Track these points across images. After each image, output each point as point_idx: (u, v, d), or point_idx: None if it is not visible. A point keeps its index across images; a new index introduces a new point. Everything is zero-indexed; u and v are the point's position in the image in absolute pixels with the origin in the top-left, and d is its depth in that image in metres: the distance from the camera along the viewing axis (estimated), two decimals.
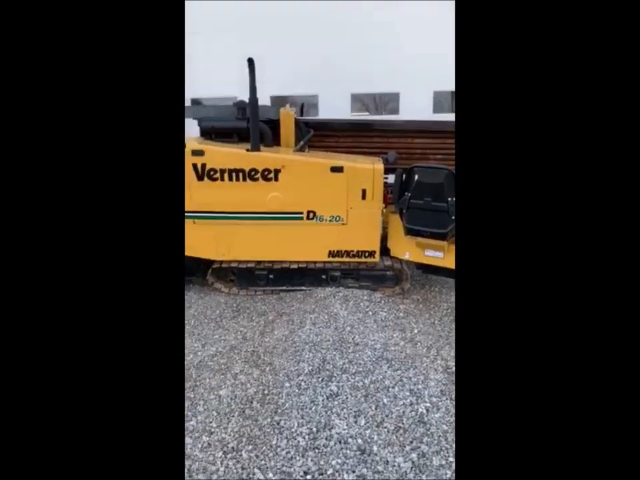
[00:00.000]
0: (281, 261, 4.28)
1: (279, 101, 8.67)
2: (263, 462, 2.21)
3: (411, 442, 2.29)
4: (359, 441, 2.30)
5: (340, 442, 2.29)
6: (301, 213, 4.04)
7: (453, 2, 1.50)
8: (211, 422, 2.53)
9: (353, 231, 4.08)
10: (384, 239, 4.31)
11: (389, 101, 9.46)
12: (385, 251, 4.32)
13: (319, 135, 4.69)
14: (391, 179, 4.13)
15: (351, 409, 2.53)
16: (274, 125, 4.32)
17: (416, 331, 3.57)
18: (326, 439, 2.32)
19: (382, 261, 4.26)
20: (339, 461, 2.18)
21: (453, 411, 2.51)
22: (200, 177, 3.91)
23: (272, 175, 3.90)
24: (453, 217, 3.61)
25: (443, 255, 3.95)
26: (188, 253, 4.22)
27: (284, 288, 4.39)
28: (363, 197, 3.96)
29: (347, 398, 2.63)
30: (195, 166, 3.88)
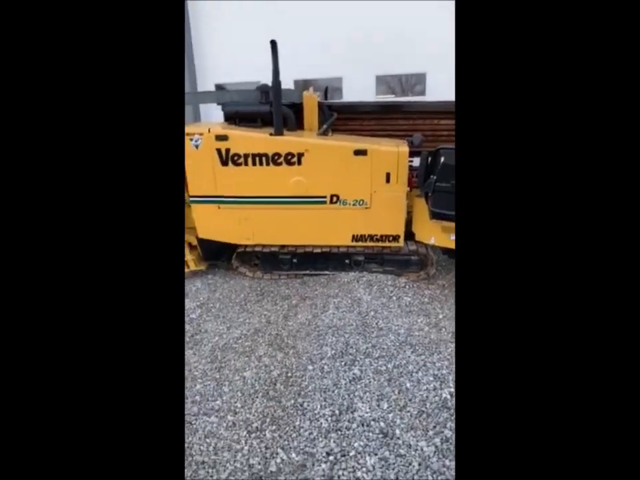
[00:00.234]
0: (305, 245, 4.29)
1: (302, 85, 8.61)
2: (286, 442, 2.25)
3: (435, 427, 2.28)
4: (382, 424, 2.30)
5: (362, 424, 2.30)
6: (325, 197, 4.01)
7: None
8: (235, 402, 2.59)
9: (377, 215, 4.02)
10: (408, 223, 4.24)
11: (415, 83, 9.21)
12: (409, 235, 4.26)
13: (343, 118, 4.62)
14: (416, 162, 4.04)
15: (373, 393, 2.53)
16: (297, 108, 4.27)
17: (441, 317, 3.51)
18: (348, 421, 2.33)
19: (406, 245, 4.20)
20: (362, 443, 2.19)
21: None
22: (224, 162, 3.92)
23: (295, 159, 3.87)
24: None
25: None
26: (213, 237, 4.30)
27: (307, 272, 4.41)
28: (387, 181, 3.89)
29: (369, 382, 2.63)
30: (219, 151, 3.89)
